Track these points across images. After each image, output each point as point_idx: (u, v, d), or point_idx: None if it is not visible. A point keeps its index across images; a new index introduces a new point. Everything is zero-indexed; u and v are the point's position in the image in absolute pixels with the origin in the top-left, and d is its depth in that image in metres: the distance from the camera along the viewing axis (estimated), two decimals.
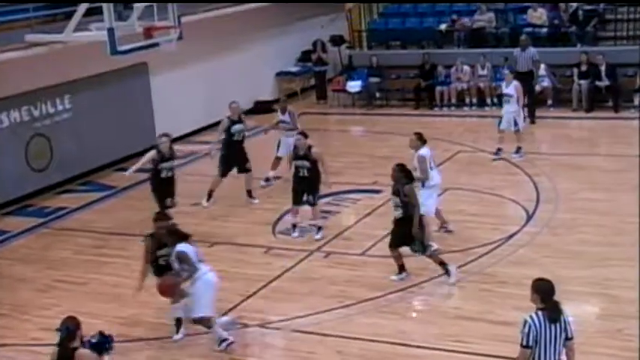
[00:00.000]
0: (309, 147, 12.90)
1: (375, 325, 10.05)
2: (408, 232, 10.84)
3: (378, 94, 21.67)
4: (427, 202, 11.89)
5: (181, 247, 9.54)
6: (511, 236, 12.36)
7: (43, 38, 14.56)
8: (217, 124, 15.01)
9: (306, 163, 12.79)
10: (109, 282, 11.81)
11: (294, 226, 13.16)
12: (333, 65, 23.35)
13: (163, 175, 12.86)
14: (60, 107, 16.28)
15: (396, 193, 10.98)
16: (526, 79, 18.59)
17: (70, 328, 7.23)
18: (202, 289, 9.53)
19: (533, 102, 18.89)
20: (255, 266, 12.06)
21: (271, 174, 15.44)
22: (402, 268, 11.18)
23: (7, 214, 15.03)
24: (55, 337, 7.32)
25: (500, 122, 16.06)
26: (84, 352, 7.22)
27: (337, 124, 21.04)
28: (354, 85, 21.65)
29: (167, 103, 18.41)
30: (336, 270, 11.67)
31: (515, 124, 15.92)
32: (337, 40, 23.54)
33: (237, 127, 14.49)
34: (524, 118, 18.29)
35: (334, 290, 11.05)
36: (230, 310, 10.66)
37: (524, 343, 6.75)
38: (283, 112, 15.56)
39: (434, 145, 16.84)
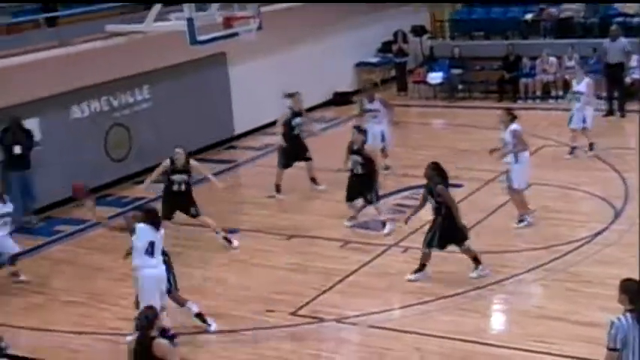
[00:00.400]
0: (363, 142, 12.84)
1: (454, 322, 9.94)
2: (449, 229, 10.77)
3: (460, 86, 21.44)
4: (523, 176, 12.44)
5: (140, 226, 9.47)
6: (598, 234, 12.09)
7: (123, 28, 14.83)
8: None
9: (359, 159, 12.72)
10: (185, 273, 11.94)
11: (352, 217, 13.21)
12: (414, 56, 23.18)
13: (175, 188, 12.52)
14: (139, 97, 16.57)
15: (429, 192, 10.92)
16: (616, 71, 18.18)
17: (149, 317, 7.39)
18: (144, 284, 9.45)
19: (624, 95, 18.42)
20: (332, 260, 12.06)
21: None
22: (477, 261, 11.03)
23: None
24: (133, 327, 7.45)
25: (570, 121, 15.73)
26: (161, 341, 7.36)
27: (418, 116, 20.88)
28: (436, 77, 21.46)
29: (245, 94, 18.55)
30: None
31: (584, 121, 15.61)
32: (419, 31, 23.34)
33: (297, 120, 14.57)
34: (614, 112, 17.95)
35: (412, 286, 10.98)
36: (306, 304, 10.69)
37: (612, 345, 6.57)
38: (371, 100, 15.50)
39: None
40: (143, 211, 9.82)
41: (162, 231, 9.64)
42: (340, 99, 21.37)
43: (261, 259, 12.24)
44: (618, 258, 11.17)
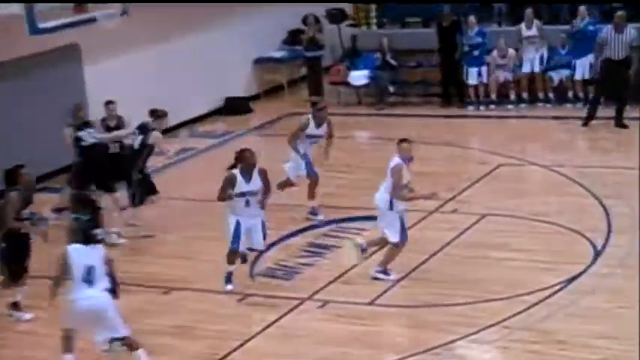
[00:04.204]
0: None
1: None
2: None
3: (391, 89, 21.66)
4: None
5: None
6: (572, 279, 12.28)
7: None
8: (178, 126, 15.08)
9: None
10: None
11: None
12: (331, 49, 23.38)
13: None
14: None
15: None
16: (619, 69, 18.44)
17: None
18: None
19: (624, 101, 18.67)
20: (226, 320, 12.00)
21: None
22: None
23: None
24: None
25: None
26: None
27: (337, 128, 20.88)
28: (359, 76, 21.67)
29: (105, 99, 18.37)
30: (335, 324, 11.60)
31: None
32: (337, 16, 23.46)
33: None
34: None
35: (331, 352, 10.96)
36: None
37: None
38: (319, 125, 15.46)
39: (466, 156, 16.89)
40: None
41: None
42: (234, 106, 21.38)
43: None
44: (601, 310, 11.30)
